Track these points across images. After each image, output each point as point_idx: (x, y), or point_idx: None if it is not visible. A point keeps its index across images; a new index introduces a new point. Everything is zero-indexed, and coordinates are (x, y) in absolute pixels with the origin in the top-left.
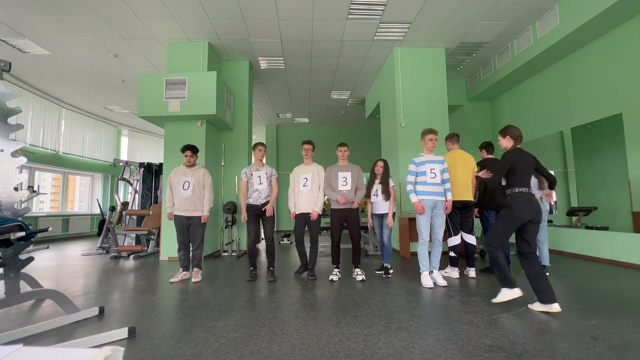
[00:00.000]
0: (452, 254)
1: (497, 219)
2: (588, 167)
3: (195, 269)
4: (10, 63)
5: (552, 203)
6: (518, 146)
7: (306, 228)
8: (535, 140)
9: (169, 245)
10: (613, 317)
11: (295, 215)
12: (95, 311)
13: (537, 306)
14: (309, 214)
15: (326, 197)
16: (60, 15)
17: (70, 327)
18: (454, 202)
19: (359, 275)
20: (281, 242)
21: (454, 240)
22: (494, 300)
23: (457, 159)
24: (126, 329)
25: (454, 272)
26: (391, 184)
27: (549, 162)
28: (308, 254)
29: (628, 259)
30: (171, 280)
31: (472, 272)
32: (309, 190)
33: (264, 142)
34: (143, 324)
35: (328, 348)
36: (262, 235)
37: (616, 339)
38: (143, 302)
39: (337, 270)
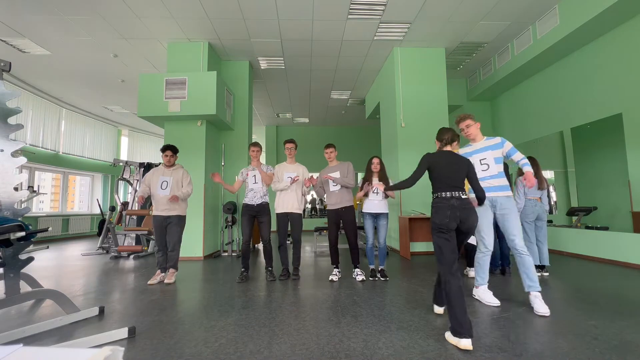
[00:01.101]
0: None
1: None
2: (588, 167)
3: (171, 270)
4: (10, 63)
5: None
6: (446, 149)
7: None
8: (535, 140)
9: None
10: (613, 317)
11: (277, 214)
12: (95, 311)
13: (448, 336)
14: (292, 213)
15: (324, 197)
16: (60, 15)
17: (70, 327)
18: None
19: (358, 275)
20: None
21: None
22: (447, 336)
23: None
24: (126, 329)
25: None
26: (390, 183)
27: (549, 162)
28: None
29: (628, 259)
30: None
31: (472, 272)
32: (292, 190)
33: (259, 142)
34: (143, 324)
35: (328, 348)
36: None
37: (616, 339)
38: (143, 302)
39: (337, 270)
